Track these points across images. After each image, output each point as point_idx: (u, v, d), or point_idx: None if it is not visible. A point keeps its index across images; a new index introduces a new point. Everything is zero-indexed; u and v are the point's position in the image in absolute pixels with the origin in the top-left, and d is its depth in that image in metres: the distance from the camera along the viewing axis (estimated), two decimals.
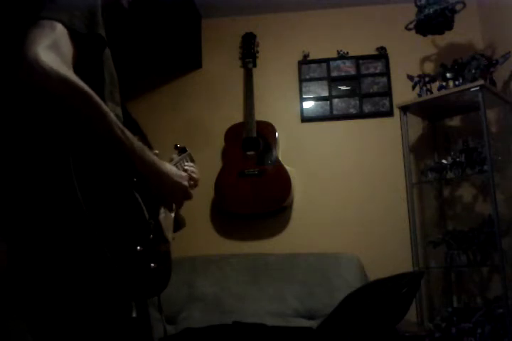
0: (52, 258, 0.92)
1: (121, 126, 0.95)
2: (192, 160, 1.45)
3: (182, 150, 1.44)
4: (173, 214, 1.21)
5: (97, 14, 1.01)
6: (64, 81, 0.87)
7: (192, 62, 3.30)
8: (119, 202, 0.95)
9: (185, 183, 1.16)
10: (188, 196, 1.18)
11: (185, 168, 1.32)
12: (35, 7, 0.94)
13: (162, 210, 1.13)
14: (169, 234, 1.14)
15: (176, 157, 1.36)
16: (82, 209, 0.86)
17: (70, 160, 0.88)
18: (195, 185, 1.31)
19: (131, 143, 0.97)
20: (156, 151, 1.16)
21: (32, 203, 0.92)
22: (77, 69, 0.94)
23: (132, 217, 0.97)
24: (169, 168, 1.12)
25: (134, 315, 0.93)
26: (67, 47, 0.93)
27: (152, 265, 0.98)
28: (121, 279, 0.90)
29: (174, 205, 1.19)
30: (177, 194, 1.13)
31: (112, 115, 0.94)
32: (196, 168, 1.36)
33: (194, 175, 1.31)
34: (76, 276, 0.92)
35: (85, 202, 0.86)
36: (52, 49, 0.89)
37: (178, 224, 1.27)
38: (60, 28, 0.92)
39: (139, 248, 0.94)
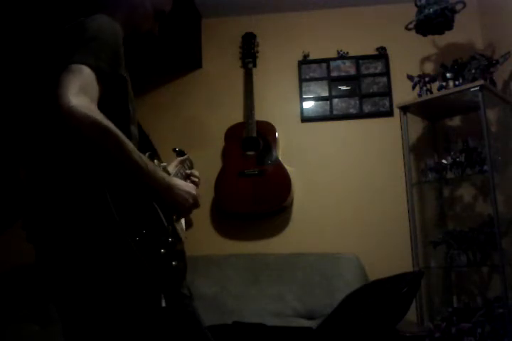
0: (98, 264, 1.11)
1: (138, 153, 1.12)
2: (191, 163, 1.59)
3: (180, 153, 1.57)
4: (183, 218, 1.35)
5: (119, 54, 1.18)
6: (94, 123, 1.03)
7: (192, 62, 3.30)
8: (143, 214, 1.14)
9: (194, 192, 1.29)
10: (197, 204, 1.31)
11: (187, 172, 1.51)
12: (67, 53, 1.11)
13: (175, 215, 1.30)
14: (182, 235, 1.29)
15: (174, 165, 1.53)
16: (118, 224, 1.05)
17: (106, 187, 1.08)
18: (198, 185, 1.50)
19: (146, 166, 1.13)
20: (164, 164, 1.35)
21: (79, 223, 1.10)
22: (104, 103, 1.10)
23: (154, 225, 1.15)
24: (177, 181, 1.27)
25: (164, 304, 1.11)
26: (94, 88, 1.09)
27: (173, 263, 1.15)
28: (152, 277, 1.09)
29: (183, 213, 1.31)
30: (187, 202, 1.26)
31: (131, 145, 1.10)
32: (196, 173, 1.54)
33: (196, 180, 1.51)
34: (116, 275, 1.10)
35: (120, 217, 1.06)
36: (82, 92, 1.04)
37: (187, 224, 1.41)
38: (87, 71, 1.08)
39: (162, 251, 1.12)
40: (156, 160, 1.33)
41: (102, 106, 1.09)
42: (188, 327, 1.27)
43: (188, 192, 1.26)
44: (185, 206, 1.26)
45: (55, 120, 1.07)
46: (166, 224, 1.18)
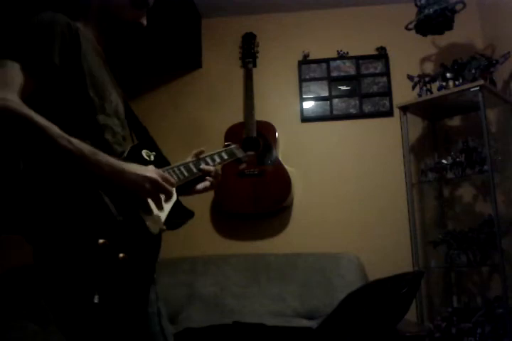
0: (39, 254, 1.12)
1: (67, 136, 1.08)
2: (231, 154, 1.57)
3: (227, 146, 1.59)
4: (165, 208, 1.25)
5: (50, 42, 1.15)
6: (3, 112, 1.03)
7: (192, 62, 3.30)
8: (78, 203, 1.09)
9: (155, 176, 1.19)
10: (159, 188, 1.20)
11: (204, 167, 1.43)
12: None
13: (147, 206, 1.21)
14: (154, 226, 1.19)
15: (190, 157, 1.45)
16: (36, 213, 1.04)
17: (27, 177, 1.06)
18: (216, 183, 1.46)
19: (79, 150, 1.09)
20: (153, 153, 1.30)
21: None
22: (47, 94, 1.14)
23: (96, 214, 1.09)
24: (132, 166, 1.18)
25: (96, 300, 1.03)
26: (15, 79, 1.10)
27: (121, 255, 1.07)
28: (77, 268, 1.05)
29: (150, 200, 1.22)
30: (142, 188, 1.18)
31: (54, 129, 1.07)
32: (216, 169, 1.47)
33: (211, 179, 1.45)
34: (44, 266, 1.11)
35: (40, 207, 1.04)
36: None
37: (184, 215, 1.36)
38: (9, 64, 1.10)
39: (100, 241, 1.06)
40: (144, 150, 1.29)
41: (42, 96, 1.13)
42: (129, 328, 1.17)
43: (144, 177, 1.17)
44: (141, 191, 1.18)
45: None
46: (114, 212, 1.11)
